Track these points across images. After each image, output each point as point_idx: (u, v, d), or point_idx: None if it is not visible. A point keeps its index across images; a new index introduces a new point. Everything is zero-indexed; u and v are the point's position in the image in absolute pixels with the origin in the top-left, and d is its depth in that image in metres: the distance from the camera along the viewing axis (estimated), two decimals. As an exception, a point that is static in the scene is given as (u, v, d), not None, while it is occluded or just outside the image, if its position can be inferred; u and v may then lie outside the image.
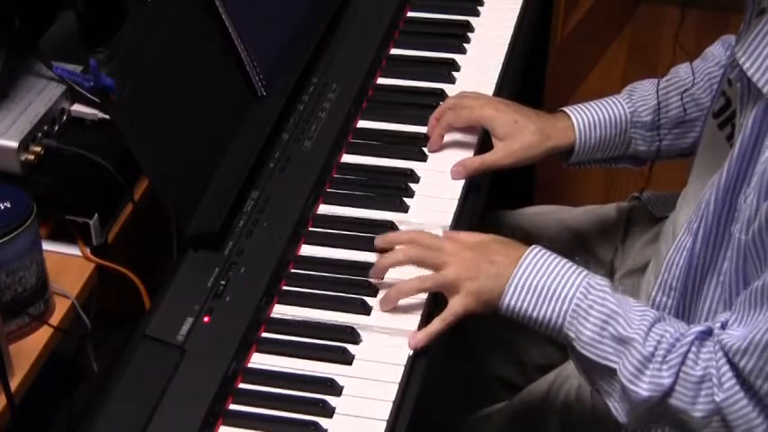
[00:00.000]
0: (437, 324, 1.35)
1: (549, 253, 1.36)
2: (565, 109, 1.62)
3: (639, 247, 1.72)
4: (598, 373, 1.34)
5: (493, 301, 1.35)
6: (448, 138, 1.61)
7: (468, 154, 1.59)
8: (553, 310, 1.33)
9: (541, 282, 1.33)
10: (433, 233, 1.42)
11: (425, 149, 1.60)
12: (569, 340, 1.33)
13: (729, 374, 1.25)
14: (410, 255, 1.38)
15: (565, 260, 1.36)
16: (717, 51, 1.63)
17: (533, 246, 1.37)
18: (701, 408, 1.27)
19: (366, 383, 1.30)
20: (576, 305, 1.32)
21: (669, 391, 1.28)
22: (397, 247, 1.40)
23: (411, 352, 1.33)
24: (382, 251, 1.42)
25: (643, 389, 1.28)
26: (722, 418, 1.26)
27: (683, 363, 1.27)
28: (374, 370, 1.31)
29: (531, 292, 1.33)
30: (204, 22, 1.54)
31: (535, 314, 1.33)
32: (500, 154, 1.57)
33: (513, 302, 1.34)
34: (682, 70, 1.64)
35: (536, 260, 1.35)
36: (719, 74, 1.60)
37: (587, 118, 1.60)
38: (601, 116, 1.61)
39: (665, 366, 1.27)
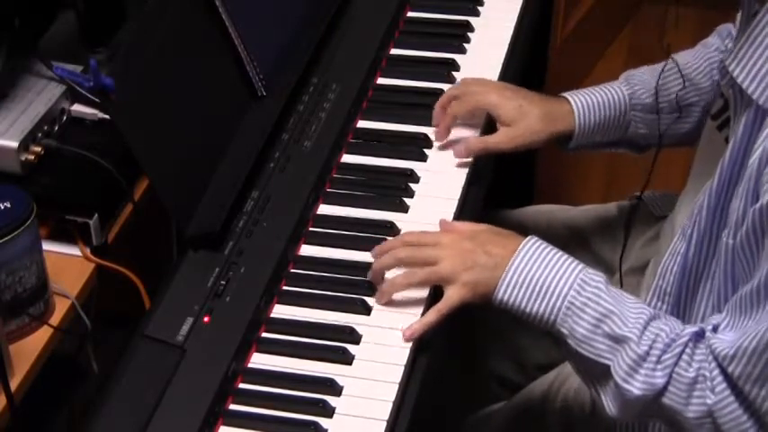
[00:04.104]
0: (432, 315, 1.34)
1: (544, 245, 1.35)
2: (564, 94, 1.62)
3: (640, 246, 1.72)
4: (591, 369, 1.33)
5: (489, 292, 1.34)
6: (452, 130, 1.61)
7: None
8: (546, 306, 1.32)
9: (535, 276, 1.32)
10: (429, 231, 1.42)
11: (425, 149, 1.60)
12: (562, 336, 1.33)
13: (720, 378, 1.25)
14: (400, 256, 1.38)
15: (560, 252, 1.35)
16: (713, 40, 1.64)
17: (529, 237, 1.36)
18: (694, 409, 1.27)
19: (366, 383, 1.30)
20: (570, 302, 1.31)
21: (662, 390, 1.28)
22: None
23: (410, 345, 1.33)
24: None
25: (636, 387, 1.28)
26: (713, 420, 1.26)
27: (676, 363, 1.27)
28: (374, 370, 1.31)
29: (524, 286, 1.32)
30: (204, 22, 1.54)
31: (528, 309, 1.33)
32: (504, 138, 1.58)
33: (506, 297, 1.33)
34: (680, 56, 1.64)
35: (531, 252, 1.34)
36: (718, 59, 1.60)
37: (586, 101, 1.61)
38: (599, 99, 1.61)
39: (659, 366, 1.27)
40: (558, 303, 1.32)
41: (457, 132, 1.61)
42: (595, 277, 1.33)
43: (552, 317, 1.32)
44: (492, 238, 1.38)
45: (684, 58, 1.63)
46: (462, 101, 1.60)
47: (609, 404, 1.33)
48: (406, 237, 1.41)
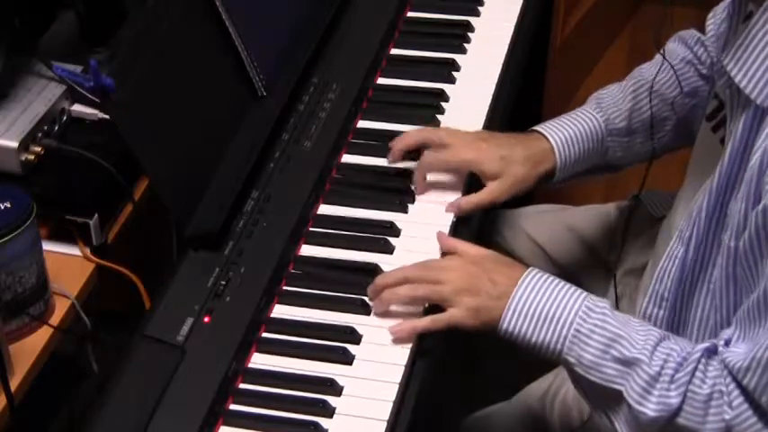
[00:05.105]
0: (426, 322, 1.34)
1: (545, 276, 1.35)
2: (539, 129, 1.58)
3: (639, 246, 1.71)
4: (602, 395, 1.32)
5: (492, 321, 1.34)
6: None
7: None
8: (552, 336, 1.31)
9: (540, 306, 1.32)
10: (426, 261, 1.40)
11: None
12: (570, 365, 1.32)
13: (737, 393, 1.23)
14: (411, 294, 1.36)
15: (563, 282, 1.34)
16: (677, 48, 1.62)
17: (530, 269, 1.36)
18: (711, 427, 1.25)
19: (366, 383, 1.30)
20: (576, 330, 1.30)
21: (677, 410, 1.26)
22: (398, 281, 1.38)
23: (410, 345, 1.33)
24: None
25: (651, 409, 1.26)
26: None
27: (690, 381, 1.25)
28: (374, 370, 1.31)
29: (528, 316, 1.32)
30: (204, 22, 1.54)
31: (534, 339, 1.32)
32: (495, 193, 1.53)
33: (510, 327, 1.33)
34: (645, 70, 1.64)
35: (533, 283, 1.33)
36: (685, 70, 1.60)
37: (564, 136, 1.57)
38: (576, 131, 1.58)
39: (673, 386, 1.26)
40: (564, 332, 1.31)
41: (440, 186, 1.55)
42: (600, 303, 1.32)
43: (559, 346, 1.31)
44: (497, 267, 1.37)
45: (650, 71, 1.61)
46: (437, 152, 1.54)
47: (622, 428, 1.31)
48: (405, 272, 1.38)
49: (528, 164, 1.54)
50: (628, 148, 1.62)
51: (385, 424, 1.26)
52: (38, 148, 1.50)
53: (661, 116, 1.61)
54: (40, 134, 1.51)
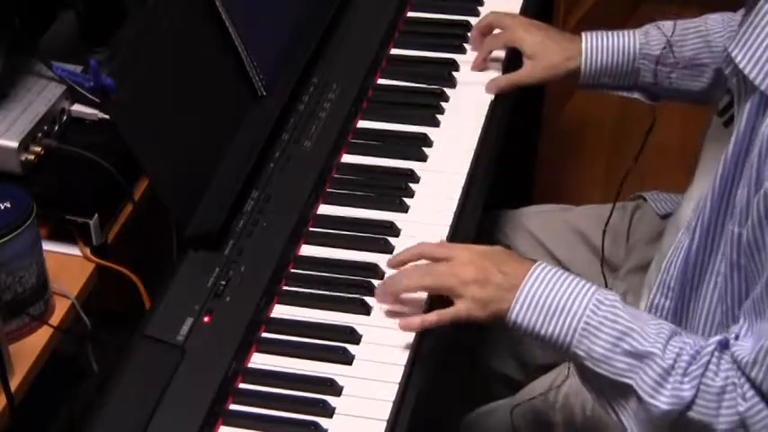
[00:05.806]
0: (434, 317, 1.34)
1: (555, 269, 1.34)
2: (583, 33, 1.71)
3: (643, 244, 1.71)
4: (611, 389, 1.31)
5: (500, 312, 1.32)
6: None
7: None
8: (561, 328, 1.30)
9: (549, 298, 1.31)
10: (441, 243, 1.41)
11: (425, 149, 1.60)
12: (578, 358, 1.31)
13: (748, 385, 1.23)
14: (419, 284, 1.36)
15: (571, 275, 1.33)
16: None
17: (538, 262, 1.35)
18: (724, 420, 1.24)
19: (366, 383, 1.30)
20: (586, 323, 1.29)
21: (690, 403, 1.25)
22: (408, 266, 1.39)
23: (410, 345, 1.33)
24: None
25: (663, 402, 1.25)
26: (746, 429, 1.23)
27: (703, 374, 1.25)
28: (374, 370, 1.31)
29: (538, 308, 1.31)
30: (204, 22, 1.54)
31: (543, 331, 1.31)
32: (526, 72, 1.70)
33: (519, 318, 1.31)
34: (711, 19, 1.68)
35: (542, 275, 1.32)
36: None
37: (596, 43, 1.69)
38: (609, 43, 1.69)
39: (686, 378, 1.25)
40: (574, 324, 1.30)
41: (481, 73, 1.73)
42: (610, 296, 1.31)
43: (568, 338, 1.30)
44: (506, 260, 1.36)
45: (713, 21, 1.67)
46: (498, 37, 1.74)
47: (630, 424, 1.30)
48: (420, 249, 1.39)
49: (561, 55, 1.71)
50: (658, 76, 1.69)
51: (385, 424, 1.26)
52: (38, 148, 1.50)
53: (700, 61, 1.66)
54: (40, 134, 1.51)
